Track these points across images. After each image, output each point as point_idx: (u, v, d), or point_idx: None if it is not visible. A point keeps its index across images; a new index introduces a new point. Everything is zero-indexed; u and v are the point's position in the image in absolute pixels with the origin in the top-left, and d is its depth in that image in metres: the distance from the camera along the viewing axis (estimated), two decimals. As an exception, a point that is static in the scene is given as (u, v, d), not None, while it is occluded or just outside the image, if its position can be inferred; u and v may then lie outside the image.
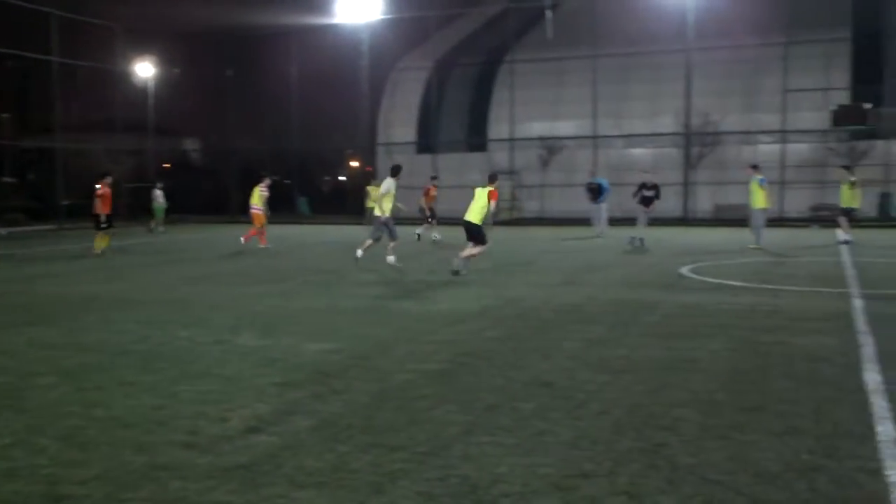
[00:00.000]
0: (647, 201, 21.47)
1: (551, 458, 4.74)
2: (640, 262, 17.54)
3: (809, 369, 6.91)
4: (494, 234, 18.07)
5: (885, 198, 34.29)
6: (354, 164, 53.34)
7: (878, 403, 5.77)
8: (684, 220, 35.15)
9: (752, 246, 20.08)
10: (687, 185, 36.13)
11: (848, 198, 21.97)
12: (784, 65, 34.59)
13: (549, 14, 38.92)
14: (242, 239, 20.94)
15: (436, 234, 23.67)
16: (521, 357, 7.54)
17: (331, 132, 50.20)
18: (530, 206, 40.31)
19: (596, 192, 25.88)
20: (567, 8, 41.53)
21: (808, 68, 36.36)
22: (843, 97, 35.57)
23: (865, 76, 35.97)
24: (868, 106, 33.53)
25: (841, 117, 33.86)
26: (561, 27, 39.21)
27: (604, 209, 26.04)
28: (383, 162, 44.67)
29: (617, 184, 36.61)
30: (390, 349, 7.97)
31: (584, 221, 28.40)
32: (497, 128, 41.70)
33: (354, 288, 13.15)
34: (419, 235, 23.97)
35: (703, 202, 36.31)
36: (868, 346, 7.76)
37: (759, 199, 20.33)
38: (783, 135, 35.49)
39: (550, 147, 38.95)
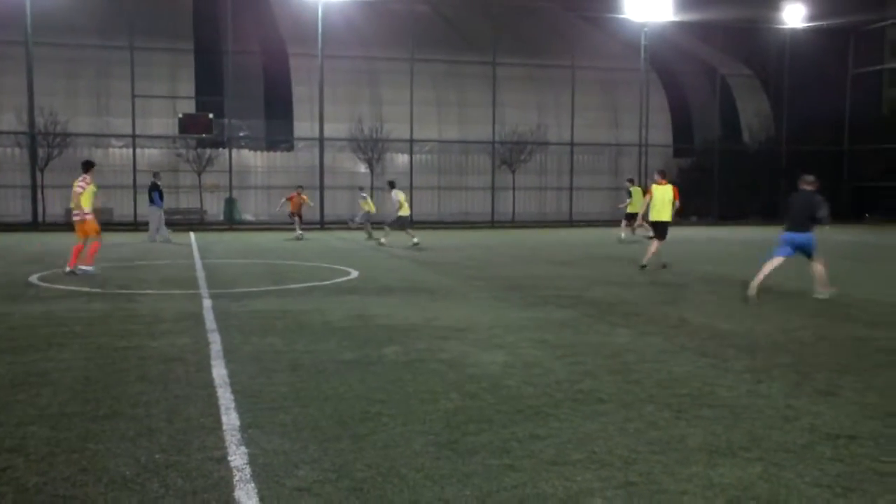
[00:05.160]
0: None
1: None
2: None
3: (164, 370, 7.10)
4: None
5: (230, 203, 36.87)
6: None
7: (225, 396, 6.20)
8: (35, 225, 33.18)
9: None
10: (35, 188, 34.08)
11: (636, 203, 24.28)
12: (131, 70, 34.74)
13: None
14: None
15: None
16: None
17: None
18: None
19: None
20: None
21: (156, 76, 37.27)
22: (189, 106, 37.25)
23: (209, 88, 38.25)
24: (211, 116, 35.72)
25: (187, 125, 35.47)
26: None
27: None
28: None
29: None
30: None
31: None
32: None
33: None
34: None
35: (54, 206, 34.61)
36: (216, 344, 8.28)
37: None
38: (134, 139, 35.73)
39: None
